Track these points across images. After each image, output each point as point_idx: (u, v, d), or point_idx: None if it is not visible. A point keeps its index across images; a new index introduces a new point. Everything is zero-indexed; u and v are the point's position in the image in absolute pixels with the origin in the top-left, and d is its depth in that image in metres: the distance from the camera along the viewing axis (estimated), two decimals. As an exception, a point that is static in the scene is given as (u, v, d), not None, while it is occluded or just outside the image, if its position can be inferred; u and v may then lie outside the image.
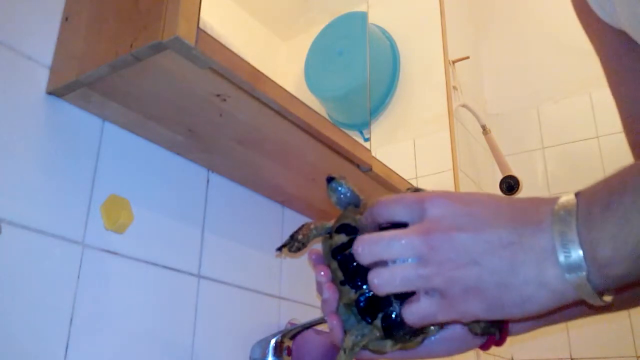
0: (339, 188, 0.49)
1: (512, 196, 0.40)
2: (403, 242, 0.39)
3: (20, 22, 0.66)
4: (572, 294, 0.36)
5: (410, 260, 0.38)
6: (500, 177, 1.90)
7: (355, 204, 0.49)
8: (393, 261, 0.39)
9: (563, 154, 2.05)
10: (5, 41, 0.64)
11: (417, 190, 0.44)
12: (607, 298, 0.37)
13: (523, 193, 1.92)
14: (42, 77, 0.67)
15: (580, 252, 0.35)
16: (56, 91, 0.67)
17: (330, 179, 0.49)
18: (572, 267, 0.35)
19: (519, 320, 0.47)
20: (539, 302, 0.36)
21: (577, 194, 0.37)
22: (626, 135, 0.60)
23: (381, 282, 0.39)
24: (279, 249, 0.49)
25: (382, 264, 0.39)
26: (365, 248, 0.40)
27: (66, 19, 0.70)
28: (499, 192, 1.93)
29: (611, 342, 1.70)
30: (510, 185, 1.86)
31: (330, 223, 0.48)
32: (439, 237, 0.38)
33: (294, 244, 0.48)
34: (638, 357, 1.71)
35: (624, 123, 0.60)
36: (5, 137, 0.62)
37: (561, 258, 0.35)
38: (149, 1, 0.60)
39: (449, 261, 0.37)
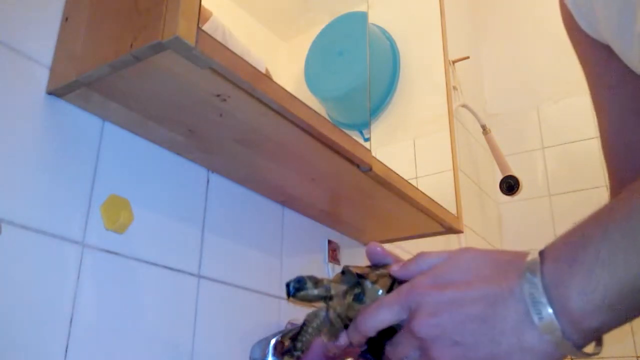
0: (307, 292, 0.49)
1: (487, 254, 0.42)
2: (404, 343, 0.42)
3: (20, 22, 0.66)
4: (556, 352, 0.36)
5: (414, 354, 0.42)
6: (500, 177, 1.90)
7: (326, 293, 0.49)
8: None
9: (563, 154, 2.05)
10: (5, 41, 0.64)
11: (346, 269, 0.47)
12: (593, 349, 0.38)
13: (523, 193, 1.92)
14: (42, 77, 0.67)
15: (550, 311, 0.35)
16: (56, 91, 0.67)
17: (292, 289, 0.49)
18: (546, 327, 0.35)
19: None
20: None
21: (541, 252, 0.38)
22: (602, 149, 0.62)
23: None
24: (283, 354, 0.51)
25: None
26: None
27: (66, 19, 0.70)
28: (499, 192, 1.93)
29: (611, 342, 1.70)
30: (510, 185, 1.86)
31: (324, 312, 0.49)
32: (423, 328, 0.40)
33: (295, 352, 0.50)
34: (638, 357, 1.71)
35: (602, 137, 0.61)
36: (5, 137, 0.62)
37: (535, 320, 0.36)
38: (149, 1, 0.60)
39: (434, 347, 0.40)
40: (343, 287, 0.48)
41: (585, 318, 0.35)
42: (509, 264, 0.39)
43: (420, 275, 0.43)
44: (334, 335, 0.48)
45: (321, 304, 0.49)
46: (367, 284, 0.46)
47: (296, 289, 0.49)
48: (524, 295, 0.36)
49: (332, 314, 0.47)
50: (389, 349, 0.44)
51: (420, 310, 0.40)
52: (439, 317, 0.39)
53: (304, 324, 0.49)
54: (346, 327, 0.47)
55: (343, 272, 0.49)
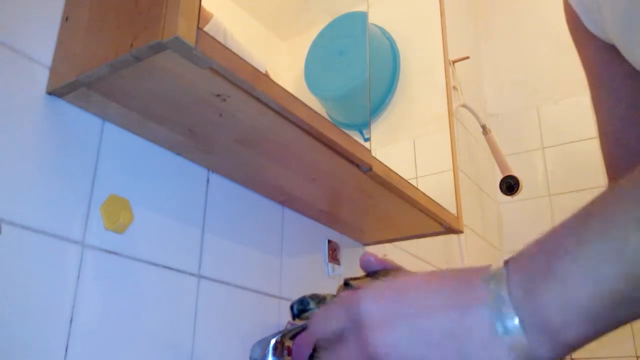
0: (312, 313, 0.49)
1: (444, 271, 0.38)
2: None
3: (20, 22, 0.66)
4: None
5: None
6: (500, 177, 1.90)
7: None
8: None
9: (563, 154, 2.05)
10: (5, 41, 0.64)
11: (347, 282, 0.46)
12: None
13: (523, 193, 1.92)
14: (42, 77, 0.67)
15: (517, 322, 0.33)
16: (56, 91, 0.67)
17: (296, 311, 0.49)
18: (514, 340, 0.33)
19: None
20: None
21: (506, 262, 0.35)
22: (601, 150, 0.61)
23: None
24: None
25: None
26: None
27: (66, 19, 0.70)
28: (499, 192, 1.93)
29: (611, 342, 1.70)
30: (510, 185, 1.86)
31: None
32: (378, 345, 0.36)
33: None
34: (638, 357, 1.71)
35: (601, 138, 0.61)
36: (5, 137, 0.62)
37: (500, 332, 0.33)
38: (149, 1, 0.60)
39: None
40: None
41: (559, 330, 0.32)
42: (473, 280, 0.36)
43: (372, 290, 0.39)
44: None
45: None
46: None
47: (300, 310, 0.49)
48: (491, 309, 0.34)
49: None
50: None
51: (370, 323, 0.36)
52: (394, 332, 0.35)
53: (314, 349, 0.49)
54: None
55: (346, 284, 0.49)
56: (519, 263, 0.35)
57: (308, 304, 0.48)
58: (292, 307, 0.49)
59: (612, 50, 0.54)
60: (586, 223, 0.34)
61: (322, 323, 0.40)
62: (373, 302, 0.37)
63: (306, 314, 0.49)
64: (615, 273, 0.31)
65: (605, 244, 0.32)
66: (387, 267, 0.49)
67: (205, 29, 0.61)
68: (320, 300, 0.48)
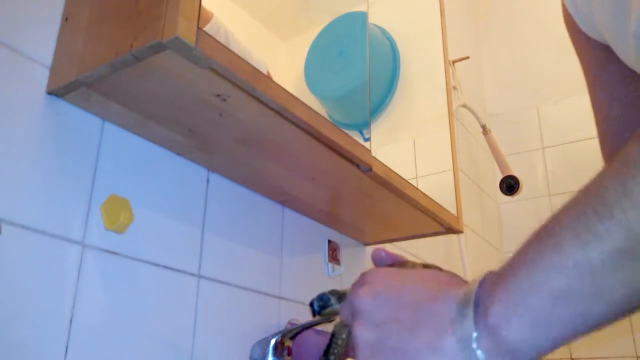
0: (333, 308, 0.50)
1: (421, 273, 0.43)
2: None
3: (20, 22, 0.66)
4: None
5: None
6: (500, 177, 1.90)
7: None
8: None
9: (563, 154, 2.05)
10: (5, 41, 0.64)
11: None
12: None
13: (523, 193, 1.92)
14: (42, 77, 0.67)
15: (471, 315, 0.35)
16: (56, 91, 0.67)
17: (317, 308, 0.50)
18: (464, 331, 0.35)
19: None
20: None
21: (490, 271, 0.38)
22: (601, 150, 0.62)
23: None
24: None
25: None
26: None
27: (66, 19, 0.70)
28: (499, 192, 1.94)
29: (611, 342, 1.70)
30: (510, 185, 1.86)
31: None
32: (358, 299, 0.41)
33: None
34: (638, 357, 1.71)
35: (600, 138, 0.61)
36: (5, 137, 0.62)
37: (457, 323, 0.35)
38: (149, 1, 0.60)
39: (357, 321, 0.40)
40: None
41: (503, 327, 0.34)
42: (460, 281, 0.39)
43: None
44: None
45: None
46: None
47: (321, 307, 0.49)
48: (456, 301, 0.36)
49: None
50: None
51: (361, 290, 0.42)
52: (377, 298, 0.40)
53: (333, 335, 0.50)
54: None
55: None
56: (493, 273, 0.37)
57: (328, 300, 0.49)
58: (312, 305, 0.49)
59: (607, 51, 0.54)
60: (540, 240, 0.35)
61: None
62: (365, 292, 0.42)
63: (327, 311, 0.49)
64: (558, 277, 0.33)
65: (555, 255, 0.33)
66: (397, 260, 0.51)
67: (206, 28, 0.61)
68: (340, 295, 0.49)
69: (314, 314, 0.50)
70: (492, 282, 0.36)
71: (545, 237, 0.35)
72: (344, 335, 0.49)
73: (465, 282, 0.39)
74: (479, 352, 0.34)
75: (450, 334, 0.35)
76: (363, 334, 0.40)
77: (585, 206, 0.33)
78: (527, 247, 0.36)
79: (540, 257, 0.34)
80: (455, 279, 0.41)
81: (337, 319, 0.50)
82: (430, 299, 0.38)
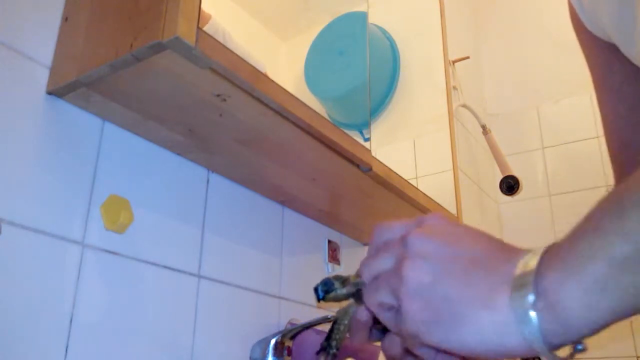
0: (337, 293, 0.49)
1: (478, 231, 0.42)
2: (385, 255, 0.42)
3: (20, 22, 0.66)
4: (515, 331, 0.34)
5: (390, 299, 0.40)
6: (500, 177, 1.90)
7: (354, 290, 0.50)
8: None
9: (563, 154, 2.05)
10: (5, 41, 0.64)
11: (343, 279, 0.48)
12: (561, 353, 0.35)
13: (523, 193, 1.92)
14: (42, 77, 0.67)
15: (532, 278, 0.34)
16: (56, 91, 0.67)
17: (321, 292, 0.50)
18: (520, 293, 0.34)
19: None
20: (478, 329, 0.35)
21: (553, 243, 0.37)
22: (608, 149, 0.61)
23: (367, 293, 0.43)
24: (318, 352, 0.50)
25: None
26: (365, 268, 0.44)
27: (66, 19, 0.70)
28: (499, 192, 1.94)
29: (611, 342, 1.70)
30: (510, 185, 1.86)
31: (353, 308, 0.49)
32: (416, 240, 0.39)
33: (331, 350, 0.49)
34: (638, 357, 1.71)
35: (607, 137, 0.61)
36: (5, 137, 0.62)
37: (514, 284, 0.34)
38: (149, 1, 0.60)
39: (409, 263, 0.39)
40: None
41: (558, 293, 0.33)
42: (519, 249, 0.38)
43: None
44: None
45: (351, 302, 0.49)
46: None
47: (325, 292, 0.49)
48: (518, 263, 0.35)
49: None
50: (366, 298, 0.43)
51: (423, 231, 0.40)
52: (435, 241, 0.39)
53: (335, 321, 0.49)
54: (375, 321, 0.46)
55: None
56: (558, 245, 0.36)
57: (332, 284, 0.48)
58: (316, 290, 0.49)
59: (613, 49, 0.54)
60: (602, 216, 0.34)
61: (384, 230, 0.44)
62: (423, 234, 0.40)
63: (331, 296, 0.49)
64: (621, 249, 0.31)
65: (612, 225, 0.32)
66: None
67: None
68: (344, 280, 0.48)
69: (318, 299, 0.49)
70: (555, 250, 0.35)
71: (608, 205, 0.34)
72: (346, 322, 0.48)
73: (529, 250, 0.37)
74: (532, 316, 0.33)
75: (505, 293, 0.34)
76: (417, 273, 0.38)
77: None
78: (590, 216, 0.35)
79: (602, 224, 0.33)
80: (518, 247, 0.39)
81: (340, 306, 0.50)
82: (491, 256, 0.37)
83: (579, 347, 0.35)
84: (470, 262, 0.37)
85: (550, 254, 0.35)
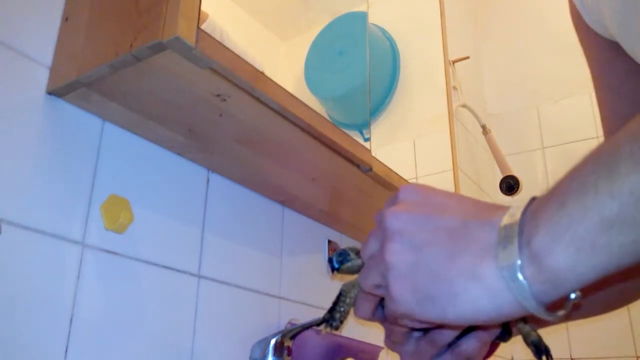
0: (352, 264, 0.48)
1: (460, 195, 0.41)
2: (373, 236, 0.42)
3: (20, 22, 0.66)
4: (508, 296, 0.34)
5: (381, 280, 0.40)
6: (500, 177, 1.90)
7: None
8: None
9: (563, 154, 2.05)
10: (5, 41, 0.64)
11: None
12: (560, 313, 0.35)
13: (523, 193, 1.92)
14: (42, 77, 0.67)
15: (516, 241, 0.33)
16: (56, 91, 0.67)
17: (336, 263, 0.49)
18: (507, 258, 0.33)
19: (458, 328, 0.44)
20: (471, 300, 0.34)
21: (534, 197, 0.36)
22: None
23: (361, 276, 0.43)
24: (320, 323, 0.50)
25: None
26: (362, 250, 0.44)
27: (66, 19, 0.70)
28: (499, 192, 1.94)
29: (611, 342, 1.70)
30: (510, 185, 1.86)
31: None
32: (390, 217, 0.39)
33: (334, 322, 0.48)
34: (638, 357, 1.71)
35: (605, 137, 0.61)
36: (5, 137, 0.62)
37: (499, 250, 0.34)
38: (149, 1, 0.60)
39: (390, 243, 0.38)
40: None
41: (548, 252, 0.32)
42: (502, 206, 0.38)
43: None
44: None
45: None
46: None
47: (340, 262, 0.48)
48: (499, 226, 0.35)
49: None
50: (360, 281, 0.43)
51: (397, 208, 0.40)
52: (410, 215, 0.38)
53: (340, 294, 0.48)
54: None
55: None
56: (540, 198, 0.36)
57: (348, 254, 0.48)
58: (330, 260, 0.48)
59: (615, 47, 0.54)
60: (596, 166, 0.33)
61: (378, 213, 0.43)
62: (409, 189, 0.41)
63: (346, 266, 0.48)
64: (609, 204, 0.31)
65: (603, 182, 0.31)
66: None
67: (205, 29, 0.61)
68: (358, 251, 0.47)
69: (332, 270, 0.48)
70: (536, 208, 0.34)
71: (595, 162, 0.33)
72: (352, 295, 0.47)
73: (507, 207, 0.37)
74: (522, 280, 0.33)
75: (491, 260, 0.34)
76: (398, 256, 0.37)
77: None
78: (574, 172, 0.34)
79: (589, 182, 0.32)
80: (495, 205, 0.39)
81: (348, 279, 0.49)
82: (472, 223, 0.36)
83: (572, 296, 0.34)
84: (450, 233, 0.37)
85: (535, 212, 0.34)
